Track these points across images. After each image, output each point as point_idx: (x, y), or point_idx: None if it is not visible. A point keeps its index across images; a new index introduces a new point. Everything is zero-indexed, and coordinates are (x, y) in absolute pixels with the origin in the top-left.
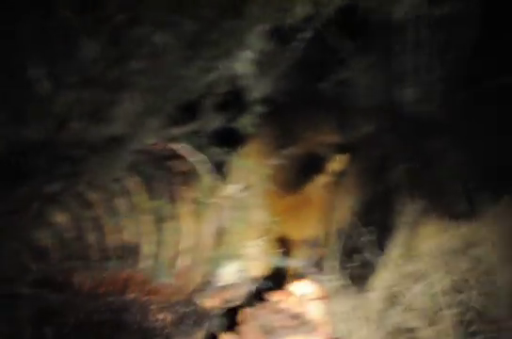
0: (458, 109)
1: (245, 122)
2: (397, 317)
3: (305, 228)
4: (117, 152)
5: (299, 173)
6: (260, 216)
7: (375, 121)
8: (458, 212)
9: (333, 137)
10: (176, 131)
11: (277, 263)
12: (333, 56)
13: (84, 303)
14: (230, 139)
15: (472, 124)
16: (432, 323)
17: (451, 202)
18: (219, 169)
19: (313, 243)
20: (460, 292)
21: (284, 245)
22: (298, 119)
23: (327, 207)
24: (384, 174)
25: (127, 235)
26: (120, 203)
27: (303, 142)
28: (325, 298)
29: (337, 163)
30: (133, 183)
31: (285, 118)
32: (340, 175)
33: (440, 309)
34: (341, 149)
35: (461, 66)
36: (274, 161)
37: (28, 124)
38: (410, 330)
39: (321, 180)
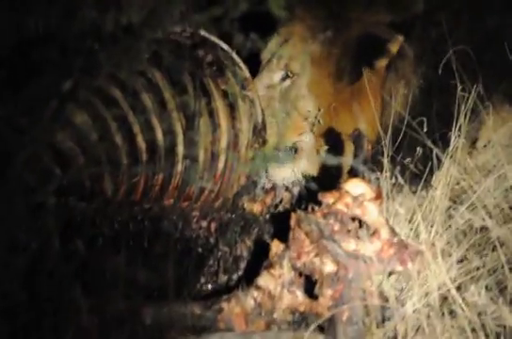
0: None
1: (275, 4)
2: (467, 216)
3: (358, 121)
4: (136, 41)
5: (353, 59)
6: (305, 108)
7: None
8: None
9: (385, 17)
10: (200, 17)
11: (327, 160)
12: None
13: (117, 212)
14: (262, 24)
15: None
16: (506, 221)
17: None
18: (253, 58)
19: (367, 137)
20: None
21: (335, 140)
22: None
23: (382, 96)
24: (440, 56)
25: (158, 135)
26: (146, 99)
27: (352, 23)
28: (383, 198)
29: (396, 44)
30: (158, 76)
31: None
32: (396, 59)
33: None
34: (395, 29)
35: None
36: (318, 46)
37: (32, 12)
38: (482, 230)
39: (380, 64)
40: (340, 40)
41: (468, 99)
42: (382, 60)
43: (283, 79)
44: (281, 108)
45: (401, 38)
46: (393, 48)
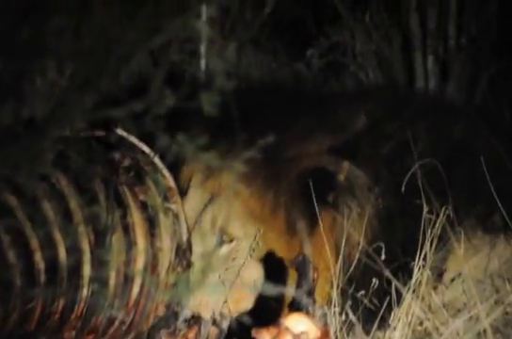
0: None
1: (207, 100)
2: None
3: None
4: (39, 139)
5: (304, 204)
6: (239, 228)
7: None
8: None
9: (324, 143)
10: (117, 112)
11: (264, 290)
12: None
13: None
14: (187, 124)
15: None
16: None
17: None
18: (176, 164)
19: (312, 263)
20: None
21: (275, 266)
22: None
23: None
24: (397, 173)
25: (60, 253)
26: (48, 209)
27: (291, 162)
28: (330, 338)
29: (344, 172)
30: (63, 181)
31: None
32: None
33: None
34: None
35: None
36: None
37: None
38: None
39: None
40: (282, 186)
41: (435, 223)
42: (333, 194)
43: (220, 245)
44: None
45: (346, 164)
46: (342, 177)
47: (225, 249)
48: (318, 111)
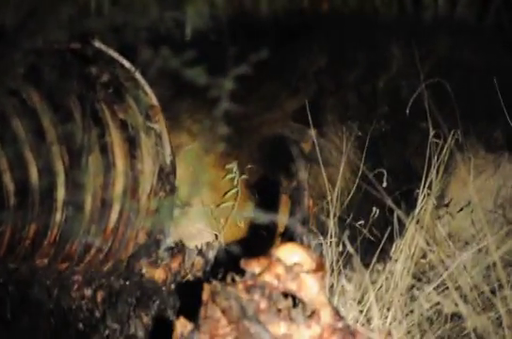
0: None
1: (192, 9)
2: (434, 299)
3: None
4: (9, 51)
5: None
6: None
7: None
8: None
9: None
10: (96, 23)
11: (255, 217)
12: None
13: None
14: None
15: None
16: (486, 307)
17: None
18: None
19: (304, 189)
20: None
21: (267, 192)
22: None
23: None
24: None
25: (32, 174)
26: (18, 127)
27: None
28: (326, 270)
29: (308, 142)
30: (35, 97)
31: None
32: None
33: (499, 288)
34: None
35: None
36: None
37: None
38: (453, 318)
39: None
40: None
41: (442, 148)
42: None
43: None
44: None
45: (313, 132)
46: (307, 146)
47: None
48: None
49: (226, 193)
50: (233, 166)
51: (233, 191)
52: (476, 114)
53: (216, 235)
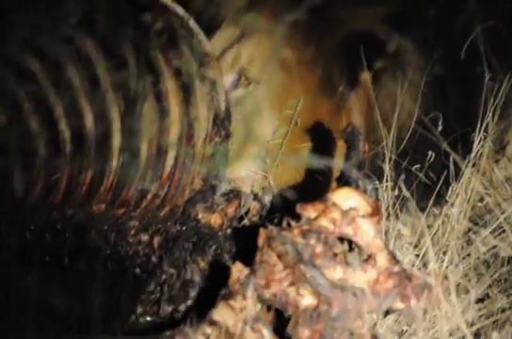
0: None
1: None
2: (491, 242)
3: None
4: None
5: (344, 66)
6: (263, 131)
7: None
8: None
9: (381, 9)
10: None
11: (310, 162)
12: None
13: (29, 218)
14: None
15: None
16: None
17: None
18: (213, 27)
19: (363, 135)
20: None
21: (322, 137)
22: None
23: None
24: (457, 38)
25: (87, 121)
26: (73, 74)
27: (342, 20)
28: (382, 214)
29: (394, 43)
30: (89, 45)
31: None
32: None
33: None
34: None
35: None
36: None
37: None
38: (510, 261)
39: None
40: (326, 42)
41: (498, 91)
42: (379, 63)
43: (235, 86)
44: (245, 94)
45: (397, 37)
46: (391, 48)
47: (239, 92)
48: None
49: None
50: (297, 102)
51: (283, 130)
52: None
53: (266, 177)
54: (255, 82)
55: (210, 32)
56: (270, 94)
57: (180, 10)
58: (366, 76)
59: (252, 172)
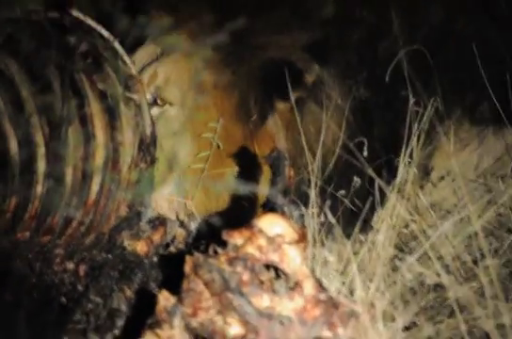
0: None
1: None
2: (417, 269)
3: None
4: None
5: (260, 93)
6: (175, 151)
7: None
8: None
9: (300, 38)
10: None
11: (235, 188)
12: None
13: None
14: (148, 4)
15: None
16: (469, 277)
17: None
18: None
19: (284, 159)
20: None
21: (247, 162)
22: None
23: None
24: (381, 61)
25: (11, 146)
26: None
27: (261, 48)
28: (308, 241)
29: (313, 74)
30: (13, 67)
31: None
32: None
33: (481, 258)
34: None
35: None
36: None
37: None
38: (436, 288)
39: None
40: (244, 68)
41: (422, 116)
42: (298, 92)
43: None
44: (169, 118)
45: (316, 67)
46: (310, 78)
47: (155, 111)
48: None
49: (197, 154)
50: (216, 125)
51: (205, 153)
52: (459, 85)
53: (185, 204)
54: (170, 103)
55: (134, 52)
56: (185, 116)
57: (104, 32)
58: (283, 105)
59: (175, 198)
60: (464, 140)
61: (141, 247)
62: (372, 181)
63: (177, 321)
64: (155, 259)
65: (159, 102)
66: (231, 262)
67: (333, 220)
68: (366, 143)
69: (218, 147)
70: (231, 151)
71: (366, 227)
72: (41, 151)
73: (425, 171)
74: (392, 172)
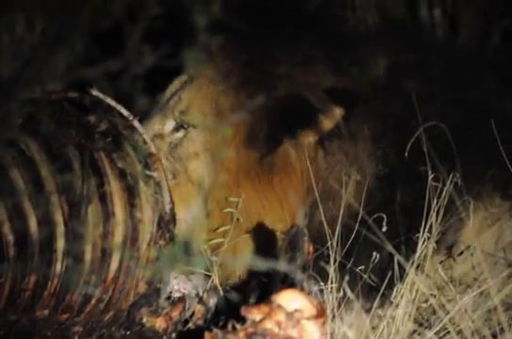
0: None
1: (190, 57)
2: None
3: (285, 213)
4: (6, 101)
5: (272, 125)
6: (197, 171)
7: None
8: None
9: (325, 80)
10: (90, 72)
11: (253, 264)
12: None
13: None
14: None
15: None
16: None
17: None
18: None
19: (303, 235)
20: None
21: (265, 237)
22: (271, 50)
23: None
24: (400, 137)
25: (31, 225)
26: (17, 177)
27: (281, 80)
28: (327, 316)
29: (331, 118)
30: (33, 147)
31: (250, 50)
32: (343, 139)
33: (500, 332)
34: (338, 97)
35: None
36: (239, 116)
37: None
38: None
39: (305, 138)
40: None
41: (442, 191)
42: (308, 135)
43: (176, 129)
44: (168, 167)
45: (339, 111)
46: (327, 123)
47: (180, 134)
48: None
49: (217, 228)
50: (237, 200)
51: (225, 228)
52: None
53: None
54: (193, 126)
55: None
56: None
57: (124, 111)
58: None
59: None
60: (494, 215)
61: (160, 323)
62: (391, 256)
63: None
64: (174, 335)
65: (184, 125)
66: (249, 337)
67: (352, 296)
68: (385, 218)
69: (238, 220)
70: (248, 226)
71: (385, 302)
72: (61, 229)
73: (448, 247)
74: (411, 248)
